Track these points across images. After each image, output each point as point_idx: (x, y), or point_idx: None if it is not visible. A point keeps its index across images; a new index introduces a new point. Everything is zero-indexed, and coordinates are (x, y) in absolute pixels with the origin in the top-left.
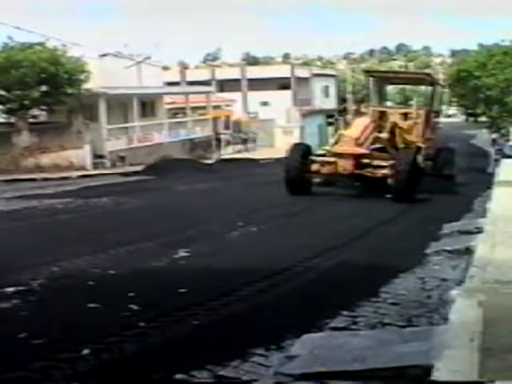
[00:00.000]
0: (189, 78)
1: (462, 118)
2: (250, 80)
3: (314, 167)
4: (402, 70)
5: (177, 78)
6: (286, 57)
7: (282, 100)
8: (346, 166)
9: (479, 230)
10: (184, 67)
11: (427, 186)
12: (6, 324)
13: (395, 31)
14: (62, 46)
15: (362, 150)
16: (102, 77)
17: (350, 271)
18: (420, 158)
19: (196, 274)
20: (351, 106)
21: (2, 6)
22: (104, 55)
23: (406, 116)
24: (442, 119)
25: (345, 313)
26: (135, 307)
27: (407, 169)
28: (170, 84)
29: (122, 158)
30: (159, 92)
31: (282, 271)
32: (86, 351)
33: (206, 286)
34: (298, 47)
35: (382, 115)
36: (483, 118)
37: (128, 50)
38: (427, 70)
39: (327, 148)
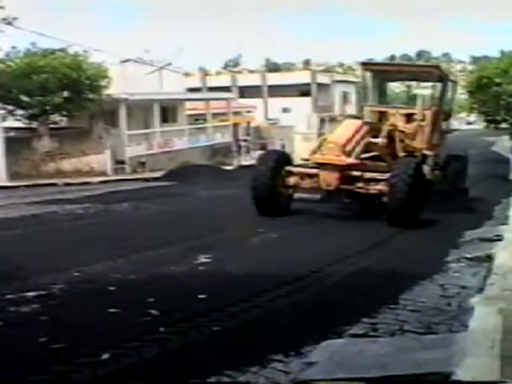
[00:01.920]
0: (209, 84)
1: (483, 125)
2: (270, 86)
3: (292, 180)
4: (406, 62)
5: (198, 84)
6: (307, 63)
7: (302, 106)
8: (329, 179)
9: (499, 238)
10: (205, 73)
11: (435, 201)
12: (27, 328)
13: (416, 37)
14: (84, 52)
15: (350, 160)
16: (124, 83)
17: (369, 278)
18: (426, 168)
19: (216, 280)
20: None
21: (25, 12)
22: (125, 61)
23: (409, 118)
24: (462, 126)
25: (364, 319)
26: (155, 312)
27: (405, 183)
28: (191, 90)
29: (143, 164)
30: (180, 98)
31: (302, 277)
32: (105, 356)
33: (226, 291)
34: (318, 53)
35: (382, 116)
36: (504, 125)
37: (149, 56)
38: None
39: (305, 157)
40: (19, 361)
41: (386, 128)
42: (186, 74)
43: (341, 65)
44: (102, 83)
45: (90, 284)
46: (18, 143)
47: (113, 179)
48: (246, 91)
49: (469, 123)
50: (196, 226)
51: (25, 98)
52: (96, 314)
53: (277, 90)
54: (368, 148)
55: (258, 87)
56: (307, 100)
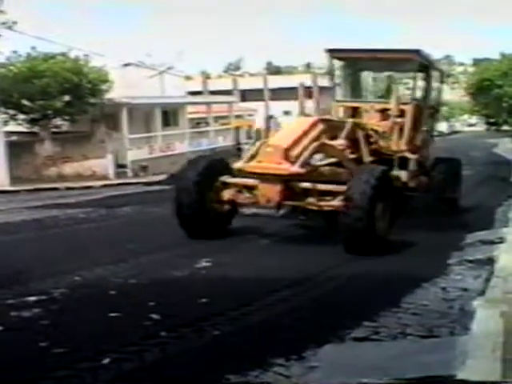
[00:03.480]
0: (211, 88)
1: (484, 127)
2: (272, 89)
3: (227, 194)
4: (381, 48)
5: (199, 88)
6: (308, 66)
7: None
8: (269, 193)
9: (501, 240)
10: (206, 77)
11: (415, 214)
12: (28, 333)
13: (417, 40)
14: (84, 56)
15: (295, 168)
16: (125, 86)
17: (370, 281)
18: (404, 175)
19: (217, 284)
20: None
21: (24, 16)
22: (126, 65)
23: (387, 114)
24: (464, 128)
25: (366, 323)
26: (156, 316)
27: (365, 197)
28: (193, 93)
29: (144, 168)
30: (181, 102)
31: (303, 281)
32: (106, 360)
33: (227, 295)
34: (320, 56)
35: (356, 113)
36: (505, 127)
37: (150, 60)
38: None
39: (239, 165)
40: (20, 365)
41: (347, 126)
42: (188, 78)
43: None
44: (104, 87)
45: (91, 288)
46: (19, 147)
47: (114, 183)
48: (247, 94)
49: (470, 125)
50: None
51: (26, 103)
52: (97, 319)
53: (278, 93)
54: (324, 152)
55: (259, 90)
56: (309, 103)
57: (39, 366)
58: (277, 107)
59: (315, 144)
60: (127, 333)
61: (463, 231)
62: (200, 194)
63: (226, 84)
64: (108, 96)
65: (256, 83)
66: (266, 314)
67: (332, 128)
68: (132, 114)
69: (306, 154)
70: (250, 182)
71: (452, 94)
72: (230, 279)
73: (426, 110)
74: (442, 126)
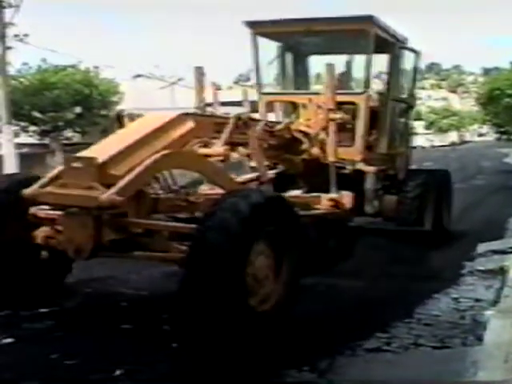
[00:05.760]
0: (221, 99)
1: (495, 136)
2: None
3: (42, 233)
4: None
5: (209, 99)
6: (318, 77)
7: None
8: (76, 235)
9: None
10: (217, 88)
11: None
12: (39, 344)
13: (426, 49)
14: (95, 68)
15: (107, 196)
16: (135, 98)
17: (382, 292)
18: (347, 197)
19: None
20: None
21: (36, 28)
22: (137, 76)
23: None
24: (475, 138)
25: (378, 334)
26: (168, 328)
27: (212, 251)
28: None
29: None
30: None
31: (312, 287)
32: (118, 372)
33: None
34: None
35: (294, 110)
36: None
37: (159, 71)
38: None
39: (29, 191)
40: (31, 377)
41: (231, 123)
42: None
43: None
44: (114, 99)
45: (103, 299)
46: (30, 159)
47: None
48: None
49: (481, 135)
50: None
51: (37, 115)
52: (109, 330)
53: None
54: (182, 166)
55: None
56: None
57: (51, 378)
58: None
59: (157, 156)
60: (139, 344)
61: (474, 241)
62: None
63: (236, 95)
64: (118, 107)
65: None
66: (275, 323)
67: (213, 127)
68: None
69: (137, 171)
70: (56, 214)
71: (462, 104)
72: None
73: (393, 105)
74: (453, 136)
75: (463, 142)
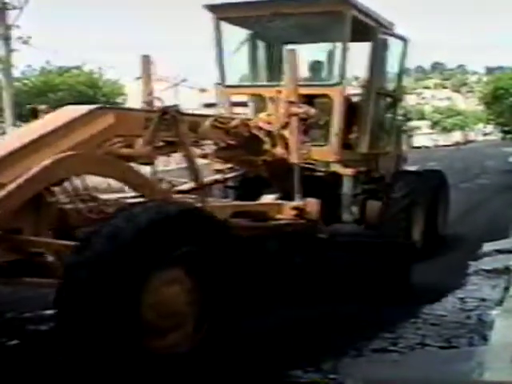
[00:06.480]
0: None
1: (499, 135)
2: None
3: None
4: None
5: (214, 100)
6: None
7: None
8: None
9: None
10: (202, 90)
11: None
12: (45, 347)
13: (430, 49)
14: (99, 69)
15: None
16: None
17: (387, 291)
18: (313, 204)
19: None
20: None
21: (42, 30)
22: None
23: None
24: (479, 137)
25: (384, 334)
26: None
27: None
28: (208, 105)
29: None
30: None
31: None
32: None
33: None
34: None
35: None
36: None
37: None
38: None
39: None
40: (36, 380)
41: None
42: (202, 90)
43: (356, 78)
44: (118, 100)
45: None
46: None
47: (129, 196)
48: None
49: (485, 134)
50: None
51: None
52: None
53: None
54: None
55: None
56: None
57: (56, 380)
58: None
59: (47, 162)
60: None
61: (479, 241)
62: None
63: (240, 96)
64: None
65: None
66: (281, 324)
67: (140, 124)
68: None
69: (22, 179)
70: None
71: (467, 104)
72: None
73: (376, 99)
74: (458, 136)
75: (467, 142)
